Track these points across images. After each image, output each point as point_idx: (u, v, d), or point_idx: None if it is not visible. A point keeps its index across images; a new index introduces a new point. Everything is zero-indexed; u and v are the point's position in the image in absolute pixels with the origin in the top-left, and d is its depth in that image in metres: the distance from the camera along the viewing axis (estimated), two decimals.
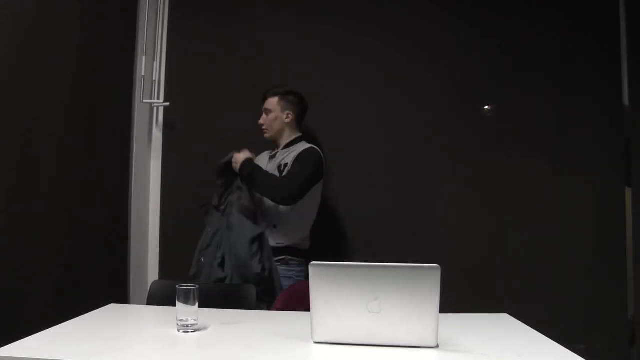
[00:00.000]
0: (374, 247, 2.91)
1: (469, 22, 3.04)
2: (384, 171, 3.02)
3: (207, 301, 1.68)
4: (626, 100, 2.93)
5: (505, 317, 1.77)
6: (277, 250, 2.53)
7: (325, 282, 1.38)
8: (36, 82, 2.14)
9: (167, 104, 3.12)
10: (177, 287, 1.52)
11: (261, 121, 2.72)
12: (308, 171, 2.55)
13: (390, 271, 1.35)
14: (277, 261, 2.53)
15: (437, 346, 1.36)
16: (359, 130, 3.05)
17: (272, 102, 2.70)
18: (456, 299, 1.74)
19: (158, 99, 3.14)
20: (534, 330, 1.57)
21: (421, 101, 3.03)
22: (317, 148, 2.65)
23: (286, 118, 2.69)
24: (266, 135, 2.73)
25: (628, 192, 2.89)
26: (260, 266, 2.35)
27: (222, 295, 2.15)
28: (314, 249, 2.74)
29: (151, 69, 3.13)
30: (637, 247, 2.83)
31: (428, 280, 1.32)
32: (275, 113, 2.69)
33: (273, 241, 2.53)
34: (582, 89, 2.95)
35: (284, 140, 2.72)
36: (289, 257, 2.58)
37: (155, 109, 3.17)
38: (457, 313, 1.73)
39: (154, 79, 3.13)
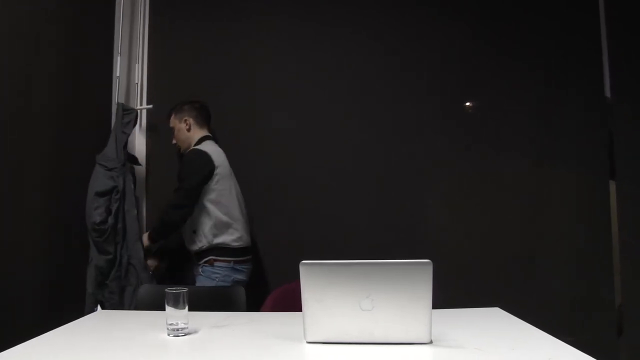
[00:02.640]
0: (364, 246, 2.91)
1: (452, 19, 3.06)
2: (373, 170, 3.02)
3: (197, 304, 1.65)
4: (607, 92, 2.96)
5: (496, 310, 1.78)
6: (203, 253, 2.58)
7: (316, 281, 1.36)
8: (18, 87, 2.11)
9: (150, 106, 3.09)
10: (166, 290, 1.50)
11: (173, 141, 2.82)
12: (185, 182, 2.56)
13: (381, 268, 1.34)
14: (204, 263, 2.57)
15: (431, 342, 1.36)
16: (347, 129, 3.06)
17: (171, 120, 2.83)
18: (447, 295, 1.74)
19: (141, 102, 3.10)
20: (526, 323, 1.58)
21: (409, 99, 3.05)
22: (200, 149, 2.62)
23: (185, 125, 2.75)
24: (181, 150, 2.82)
25: (612, 184, 2.93)
26: (99, 218, 2.49)
27: (212, 297, 2.14)
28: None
29: (133, 72, 3.09)
30: (623, 238, 2.86)
31: (420, 275, 1.32)
32: (176, 127, 2.79)
33: (196, 246, 2.60)
34: (565, 83, 2.98)
35: (193, 143, 2.76)
36: (214, 258, 2.56)
37: (138, 112, 3.12)
38: (449, 309, 1.73)
39: (136, 82, 3.10)
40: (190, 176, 2.57)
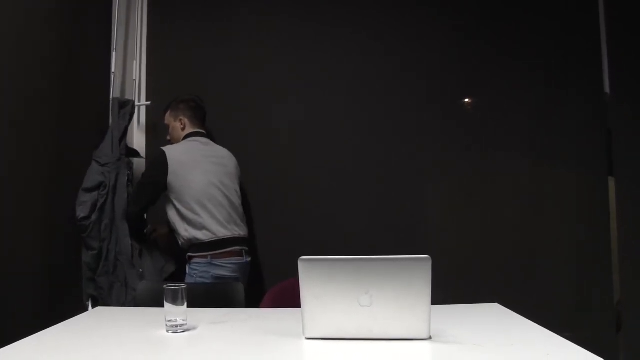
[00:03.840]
0: (364, 246, 2.91)
1: (452, 19, 3.06)
2: (373, 170, 3.02)
3: (196, 301, 1.66)
4: (607, 91, 2.96)
5: (495, 306, 1.77)
6: (185, 251, 2.60)
7: (315, 277, 1.36)
8: (17, 85, 2.10)
9: (149, 102, 3.09)
10: (164, 287, 1.50)
11: (168, 137, 2.83)
12: (136, 186, 2.70)
13: (380, 264, 1.34)
14: (187, 261, 2.58)
15: (430, 338, 1.36)
16: (347, 129, 3.06)
17: (166, 117, 2.83)
18: (446, 295, 1.75)
19: (139, 98, 3.10)
20: (525, 319, 1.57)
21: (409, 99, 3.05)
22: (161, 150, 2.62)
23: (180, 124, 2.77)
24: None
25: (611, 181, 2.93)
26: (82, 214, 2.51)
27: (211, 294, 2.14)
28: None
29: (131, 68, 3.09)
30: (622, 235, 2.87)
31: (419, 271, 1.32)
32: (171, 125, 2.80)
33: (179, 243, 2.63)
34: (564, 82, 2.99)
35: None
36: (191, 255, 2.55)
37: (136, 108, 3.13)
38: (448, 304, 1.73)
39: (134, 78, 3.09)
40: (142, 176, 2.70)
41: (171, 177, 2.55)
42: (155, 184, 2.58)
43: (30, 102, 2.21)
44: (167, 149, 2.62)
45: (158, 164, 2.59)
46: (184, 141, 2.72)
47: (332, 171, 3.03)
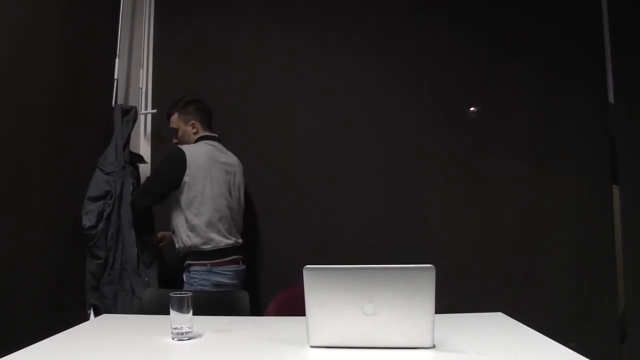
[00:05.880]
0: (364, 246, 2.88)
1: (453, 22, 3.07)
2: (373, 171, 3.03)
3: (201, 308, 1.67)
4: (611, 98, 2.96)
5: (499, 315, 1.78)
6: (182, 258, 2.59)
7: (319, 285, 1.37)
8: (20, 88, 2.11)
9: (155, 111, 3.11)
10: (170, 294, 1.51)
11: (174, 141, 2.75)
12: (148, 179, 2.70)
13: (384, 273, 1.35)
14: (185, 269, 2.57)
15: (434, 347, 1.37)
16: (347, 129, 3.07)
17: (174, 120, 2.73)
18: (449, 300, 1.75)
19: (145, 106, 3.12)
20: (529, 328, 1.58)
21: (409, 100, 3.05)
22: (179, 149, 2.60)
23: (192, 128, 2.71)
24: None
25: (615, 188, 2.92)
26: (88, 223, 2.49)
27: (215, 302, 2.15)
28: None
29: (137, 76, 3.11)
30: (626, 243, 2.86)
31: (423, 280, 1.33)
32: (181, 129, 2.72)
33: (176, 246, 2.61)
34: (566, 84, 2.98)
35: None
36: (190, 262, 2.54)
37: (142, 116, 3.14)
38: (451, 313, 1.73)
39: (140, 86, 3.11)
40: (156, 171, 2.71)
41: (186, 179, 2.52)
42: (169, 182, 2.55)
43: (35, 106, 2.21)
44: (186, 149, 2.58)
45: (176, 162, 2.54)
46: (199, 143, 2.65)
47: (331, 171, 3.03)
